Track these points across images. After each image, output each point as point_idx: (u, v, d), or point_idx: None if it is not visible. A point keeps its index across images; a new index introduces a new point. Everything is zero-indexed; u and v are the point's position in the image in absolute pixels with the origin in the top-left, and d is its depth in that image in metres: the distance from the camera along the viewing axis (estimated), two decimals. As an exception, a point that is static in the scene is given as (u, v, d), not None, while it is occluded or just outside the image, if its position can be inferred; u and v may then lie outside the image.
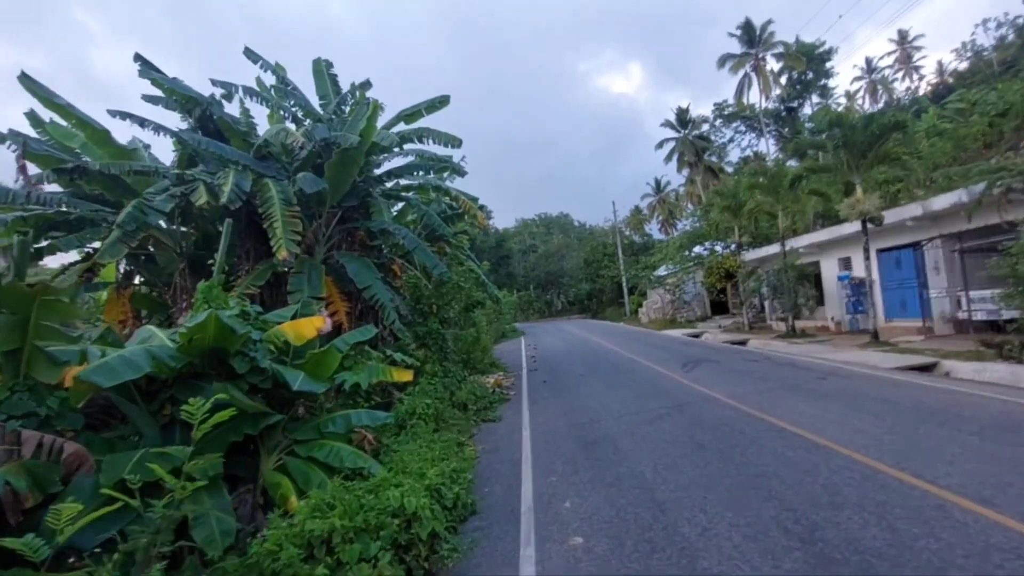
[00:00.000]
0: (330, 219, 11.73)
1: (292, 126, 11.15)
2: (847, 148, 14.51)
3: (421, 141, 12.10)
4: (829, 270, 20.18)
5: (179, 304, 11.03)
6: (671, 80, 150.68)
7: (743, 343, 20.50)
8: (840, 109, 49.38)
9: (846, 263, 19.69)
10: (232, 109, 11.65)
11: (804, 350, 15.46)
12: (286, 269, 10.31)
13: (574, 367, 16.44)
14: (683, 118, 64.68)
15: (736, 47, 54.55)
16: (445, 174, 15.05)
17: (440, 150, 12.66)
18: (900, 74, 66.99)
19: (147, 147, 11.88)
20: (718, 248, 26.22)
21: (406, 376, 6.79)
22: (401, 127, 12.48)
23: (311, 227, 11.47)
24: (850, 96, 61.73)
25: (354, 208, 12.17)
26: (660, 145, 64.52)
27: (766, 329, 23.92)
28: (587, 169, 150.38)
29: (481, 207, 14.28)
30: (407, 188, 14.38)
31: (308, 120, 11.88)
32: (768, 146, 57.45)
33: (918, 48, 67.25)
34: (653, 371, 13.89)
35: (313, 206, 11.23)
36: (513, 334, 35.90)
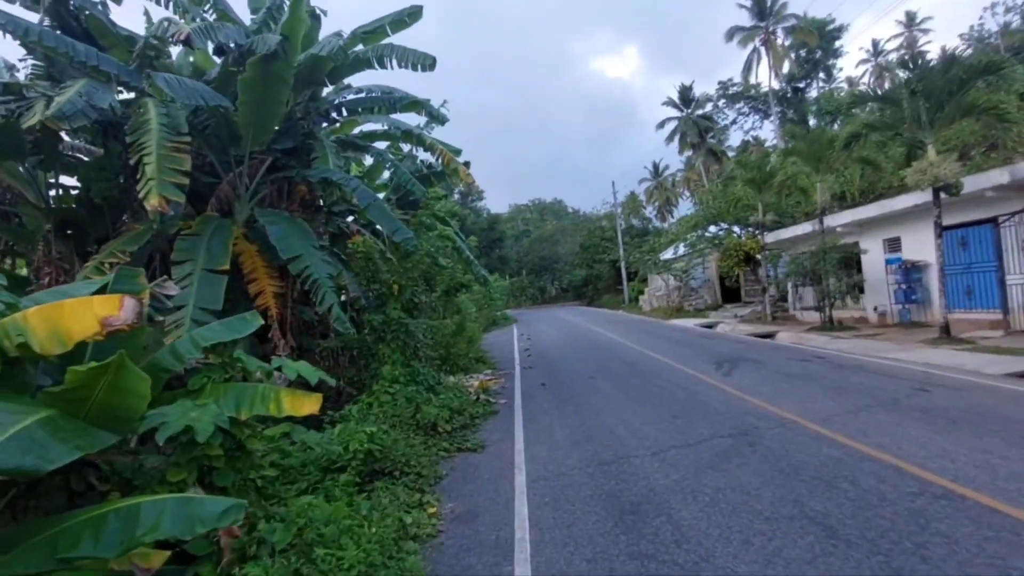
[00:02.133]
0: (256, 167, 8.60)
1: (181, 21, 7.93)
2: (926, 96, 11.51)
3: (383, 65, 8.93)
4: (872, 252, 17.31)
5: (41, 279, 7.94)
6: (667, 64, 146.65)
7: (770, 336, 17.68)
8: (842, 95, 46.41)
9: (894, 244, 16.84)
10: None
11: (858, 347, 12.63)
12: (179, 231, 7.21)
13: (579, 365, 13.52)
14: (686, 96, 61.56)
15: (746, 19, 51.19)
16: (422, 122, 11.89)
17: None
18: (905, 58, 63.96)
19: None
20: (736, 229, 23.28)
21: (307, 407, 3.81)
22: (360, 49, 9.31)
23: (227, 176, 8.34)
24: (851, 82, 58.57)
25: (291, 154, 9.04)
26: (661, 125, 61.48)
27: (791, 320, 21.13)
28: (581, 155, 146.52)
29: (466, 163, 11.19)
30: (371, 136, 11.21)
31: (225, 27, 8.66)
32: (769, 130, 54.24)
33: (925, 31, 63.91)
34: (680, 373, 10.99)
35: (227, 145, 8.08)
36: (505, 322, 32.96)
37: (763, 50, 51.45)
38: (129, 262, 6.89)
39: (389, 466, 5.46)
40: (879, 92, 13.88)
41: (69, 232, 8.65)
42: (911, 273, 15.68)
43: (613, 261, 48.93)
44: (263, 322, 4.39)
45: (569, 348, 17.61)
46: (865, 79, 60.33)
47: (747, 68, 54.46)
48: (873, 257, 17.30)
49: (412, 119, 11.95)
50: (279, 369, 4.14)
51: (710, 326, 22.49)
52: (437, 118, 11.45)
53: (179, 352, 3.65)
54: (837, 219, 17.97)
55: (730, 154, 58.70)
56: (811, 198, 20.29)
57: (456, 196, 63.31)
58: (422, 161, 13.07)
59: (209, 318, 5.98)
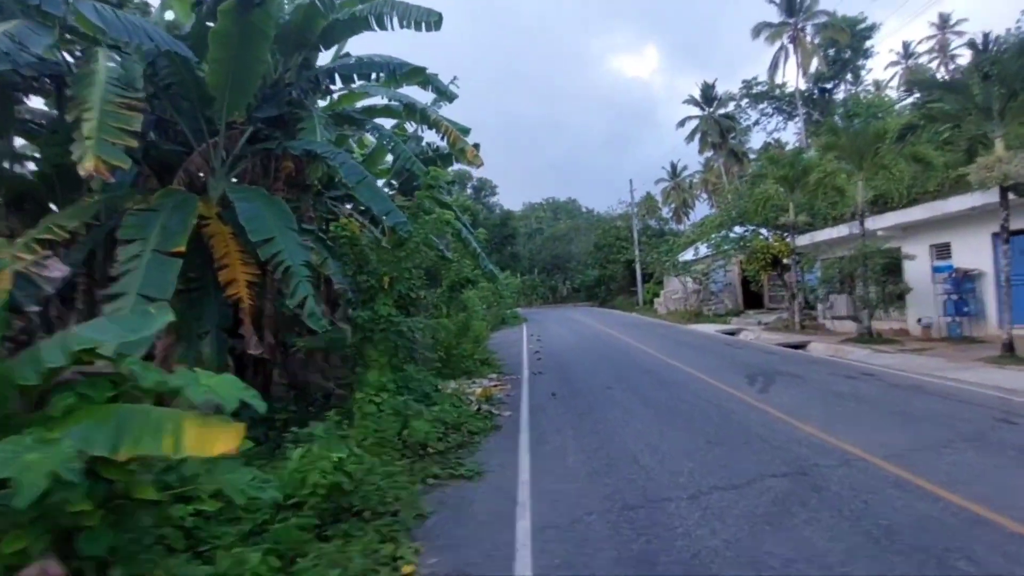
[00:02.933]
0: (235, 138, 7.53)
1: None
2: (1000, 81, 10.11)
3: (382, 25, 7.79)
4: (918, 259, 15.85)
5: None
6: (687, 64, 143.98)
7: (801, 347, 16.33)
8: (869, 97, 44.32)
9: (942, 251, 15.37)
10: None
11: (908, 364, 11.26)
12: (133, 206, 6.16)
13: (593, 372, 12.33)
14: (708, 94, 59.83)
15: (774, 16, 49.34)
16: (428, 99, 10.74)
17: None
18: (935, 63, 61.30)
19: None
20: (763, 232, 21.83)
21: (220, 443, 2.68)
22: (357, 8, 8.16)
23: (199, 146, 7.28)
24: (879, 86, 56.16)
25: (276, 124, 7.96)
26: (682, 123, 59.86)
27: (820, 329, 19.70)
28: (597, 156, 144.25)
29: (475, 145, 10.03)
30: (370, 112, 10.12)
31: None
32: (792, 133, 52.25)
33: (960, 34, 61.10)
34: (708, 386, 9.75)
35: (198, 108, 7.02)
36: (514, 321, 31.79)
37: (791, 47, 49.60)
38: (70, 240, 5.88)
39: (359, 503, 4.34)
40: (943, 78, 12.41)
41: (25, 206, 7.68)
42: (963, 283, 14.22)
43: (628, 261, 47.49)
44: (171, 318, 3.29)
45: (582, 352, 16.42)
46: (894, 83, 58.00)
47: (773, 67, 52.58)
48: (918, 264, 15.84)
49: (419, 97, 10.88)
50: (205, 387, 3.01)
51: (732, 333, 21.15)
52: (445, 94, 10.31)
53: (41, 359, 2.55)
54: (878, 222, 16.52)
55: (751, 157, 56.88)
56: (848, 199, 18.86)
57: (469, 191, 62.53)
58: (428, 144, 11.95)
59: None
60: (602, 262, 53.70)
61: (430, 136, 10.75)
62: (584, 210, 73.95)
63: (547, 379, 11.72)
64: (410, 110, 9.24)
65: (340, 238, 6.50)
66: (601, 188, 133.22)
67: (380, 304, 6.73)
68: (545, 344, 19.13)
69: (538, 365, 13.94)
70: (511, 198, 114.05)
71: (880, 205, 18.06)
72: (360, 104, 10.17)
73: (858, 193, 15.33)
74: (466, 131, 9.64)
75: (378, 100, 9.88)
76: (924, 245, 15.77)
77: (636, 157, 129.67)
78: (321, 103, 9.47)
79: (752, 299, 27.83)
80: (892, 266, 15.74)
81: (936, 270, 14.79)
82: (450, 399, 8.36)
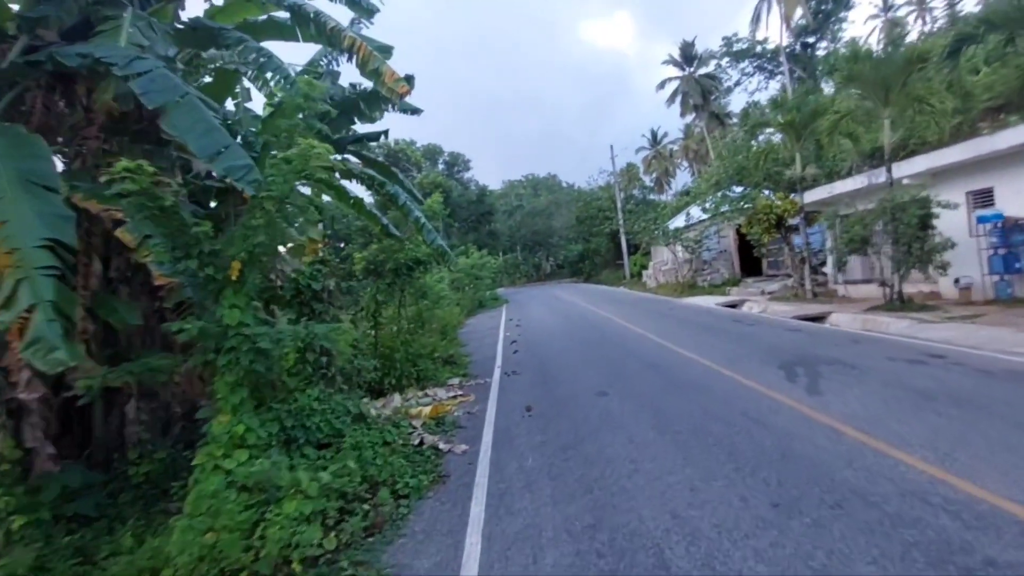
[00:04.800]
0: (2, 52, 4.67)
1: None
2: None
3: None
4: (950, 210, 13.51)
5: None
6: (661, 30, 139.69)
7: (821, 319, 14.03)
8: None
9: (982, 198, 13.06)
10: None
11: (977, 338, 8.94)
12: None
13: (581, 368, 9.81)
14: (688, 54, 57.04)
15: (756, -38, 46.37)
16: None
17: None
18: (912, 17, 58.81)
19: None
20: (765, 191, 19.38)
21: None
22: None
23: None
24: (854, 44, 53.63)
25: (71, 36, 5.09)
26: (662, 85, 57.20)
27: (834, 296, 17.46)
28: (574, 129, 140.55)
29: (408, 78, 7.22)
30: (252, 30, 7.20)
31: None
32: (774, 93, 49.60)
33: None
34: (736, 386, 7.29)
35: None
36: (493, 303, 29.17)
37: (774, -2, 46.92)
38: None
39: None
40: None
41: None
42: (1013, 234, 11.96)
43: (612, 233, 44.99)
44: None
45: (567, 339, 13.91)
46: (873, 37, 55.42)
47: (755, 20, 49.96)
48: (952, 216, 13.51)
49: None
50: None
51: (734, 305, 18.84)
52: (361, 6, 7.49)
53: None
54: (904, 168, 14.14)
55: (732, 120, 54.35)
56: (861, 145, 16.43)
57: (441, 167, 59.01)
58: (353, 85, 9.09)
59: None
60: (585, 236, 51.25)
61: (355, 76, 7.86)
62: (564, 185, 71.16)
63: (523, 381, 9.19)
64: (300, 19, 6.39)
65: (132, 193, 3.71)
66: (581, 162, 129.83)
67: (224, 307, 4.07)
68: (525, 330, 16.59)
69: (513, 361, 11.39)
70: (489, 176, 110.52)
71: (900, 150, 15.64)
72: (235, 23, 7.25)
73: (884, 134, 12.85)
74: (386, 49, 6.84)
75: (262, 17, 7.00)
76: (959, 192, 13.41)
77: (614, 129, 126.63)
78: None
79: (749, 266, 25.57)
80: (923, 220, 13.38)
81: (980, 220, 12.48)
82: (378, 433, 5.77)
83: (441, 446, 5.97)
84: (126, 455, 5.68)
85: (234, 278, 4.14)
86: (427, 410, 7.13)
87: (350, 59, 6.57)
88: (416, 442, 6.08)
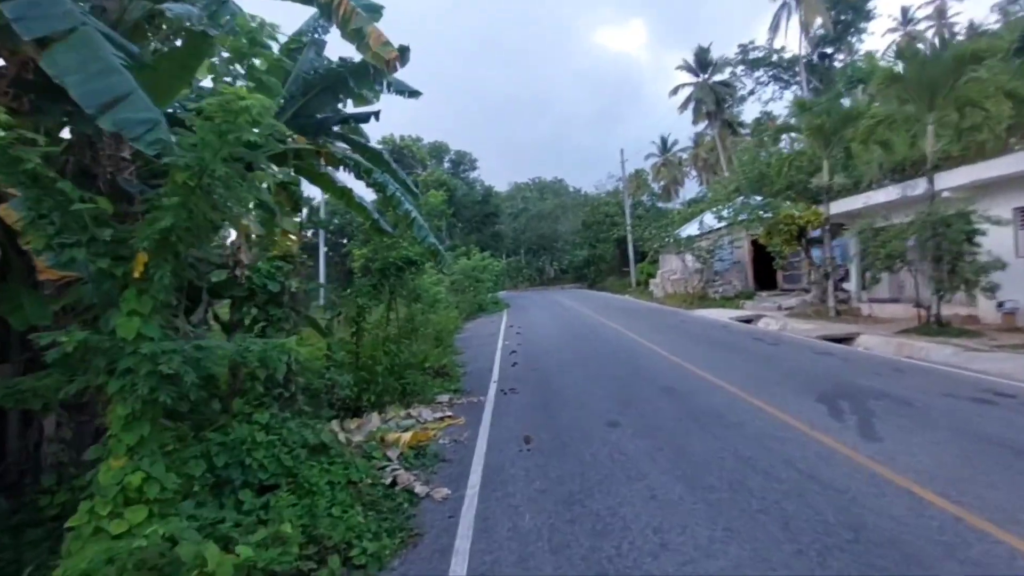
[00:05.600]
0: None
1: None
2: None
3: None
4: (996, 227, 12.36)
5: None
6: (674, 38, 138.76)
7: (847, 340, 12.89)
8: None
9: (1032, 214, 11.93)
10: None
11: (1040, 371, 7.82)
12: None
13: (588, 389, 8.70)
14: (703, 60, 55.97)
15: (777, -29, 45.44)
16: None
17: None
18: (931, 32, 57.63)
19: None
20: (786, 204, 18.27)
21: None
22: None
23: None
24: (871, 57, 52.43)
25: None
26: (675, 91, 56.10)
27: (857, 315, 16.29)
28: (583, 134, 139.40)
29: (402, 49, 6.18)
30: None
31: None
32: (787, 104, 48.51)
33: None
34: (779, 427, 6.18)
35: None
36: (494, 308, 28.07)
37: (794, 3, 45.98)
38: None
39: None
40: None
41: None
42: (1069, 256, 10.83)
43: (619, 240, 43.88)
44: None
45: (570, 351, 12.81)
46: (890, 53, 54.25)
47: (774, 27, 49.12)
48: (996, 233, 12.36)
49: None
50: None
51: (749, 320, 17.72)
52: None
53: None
54: (945, 180, 13.02)
55: (744, 130, 53.21)
56: (893, 155, 15.33)
57: (447, 165, 58.05)
58: (343, 59, 8.05)
59: None
60: (591, 241, 50.14)
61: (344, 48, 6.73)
62: (571, 189, 70.11)
63: (521, 402, 8.10)
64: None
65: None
66: (589, 167, 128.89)
67: (121, 315, 3.00)
68: (526, 339, 15.50)
69: (512, 375, 10.30)
70: (496, 178, 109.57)
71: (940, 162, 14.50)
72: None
73: (928, 141, 11.73)
74: (375, 9, 5.79)
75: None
76: (1006, 208, 12.29)
77: (624, 136, 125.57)
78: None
79: (763, 279, 24.43)
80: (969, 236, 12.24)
81: (1032, 239, 11.34)
82: (342, 468, 4.70)
83: (417, 489, 4.89)
84: (39, 480, 4.65)
85: (137, 275, 3.09)
86: (407, 436, 6.05)
87: (330, 20, 5.51)
88: (388, 481, 5.01)
